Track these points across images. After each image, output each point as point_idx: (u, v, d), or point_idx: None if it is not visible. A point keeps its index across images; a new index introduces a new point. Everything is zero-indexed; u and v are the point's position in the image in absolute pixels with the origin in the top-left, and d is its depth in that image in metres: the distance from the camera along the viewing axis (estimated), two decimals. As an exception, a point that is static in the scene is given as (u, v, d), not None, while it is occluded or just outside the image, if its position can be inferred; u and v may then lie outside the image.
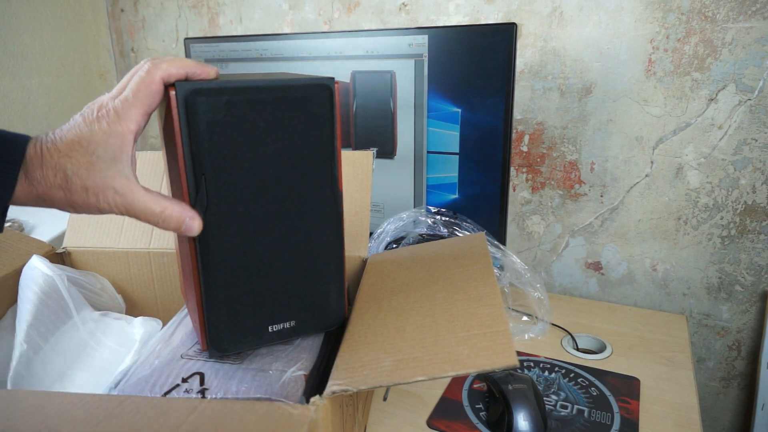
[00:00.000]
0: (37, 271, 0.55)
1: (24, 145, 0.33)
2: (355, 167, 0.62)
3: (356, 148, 0.79)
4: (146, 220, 0.35)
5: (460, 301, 0.43)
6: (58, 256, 0.62)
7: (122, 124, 0.34)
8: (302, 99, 0.38)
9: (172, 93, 0.35)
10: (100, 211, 0.34)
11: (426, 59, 0.72)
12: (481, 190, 0.74)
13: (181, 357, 0.43)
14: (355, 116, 0.78)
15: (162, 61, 0.35)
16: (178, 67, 0.36)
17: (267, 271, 0.41)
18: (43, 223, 0.85)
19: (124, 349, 0.53)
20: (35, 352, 0.50)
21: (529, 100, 0.86)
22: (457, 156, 0.74)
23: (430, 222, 0.72)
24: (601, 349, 0.68)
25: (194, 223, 0.37)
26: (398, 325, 0.42)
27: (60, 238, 0.76)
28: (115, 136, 0.33)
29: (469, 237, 0.60)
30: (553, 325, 0.74)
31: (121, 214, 0.35)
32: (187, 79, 0.36)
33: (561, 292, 0.90)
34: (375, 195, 0.80)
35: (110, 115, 0.34)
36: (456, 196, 0.76)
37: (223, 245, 0.39)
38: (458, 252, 0.53)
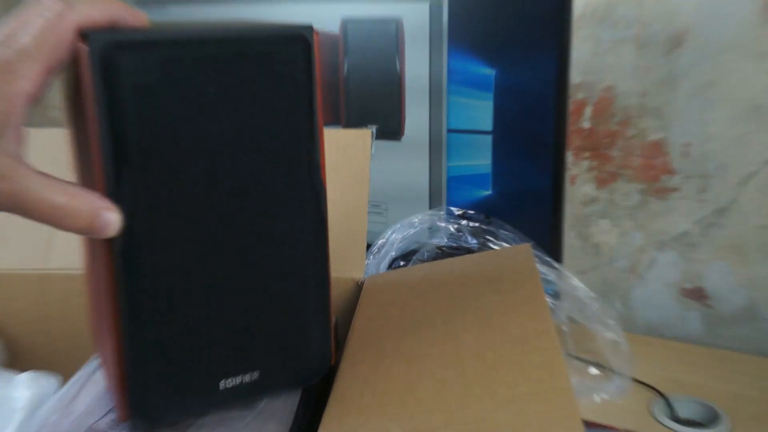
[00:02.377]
0: None
1: None
2: (347, 152, 0.61)
3: (348, 125, 0.79)
4: (42, 216, 0.35)
5: (499, 345, 0.42)
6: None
7: (13, 82, 0.33)
8: (267, 56, 0.38)
9: (85, 47, 0.35)
10: None
11: (446, 1, 0.72)
12: (524, 183, 0.74)
13: None
14: (347, 81, 0.78)
15: (78, 1, 0.35)
16: (102, 10, 0.35)
17: (219, 301, 0.40)
18: None
19: (0, 421, 0.51)
20: None
21: (592, 57, 0.86)
22: (490, 136, 0.74)
23: (452, 229, 0.72)
24: (712, 419, 0.67)
25: (110, 217, 0.36)
26: (409, 380, 0.41)
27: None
28: (0, 99, 0.33)
29: (509, 251, 0.60)
30: (637, 381, 0.73)
31: (5, 208, 0.34)
32: (108, 29, 0.36)
33: (646, 332, 0.90)
34: (375, 191, 0.80)
35: None
36: (489, 192, 0.76)
37: (155, 263, 0.38)
38: (494, 272, 0.53)
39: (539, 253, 0.70)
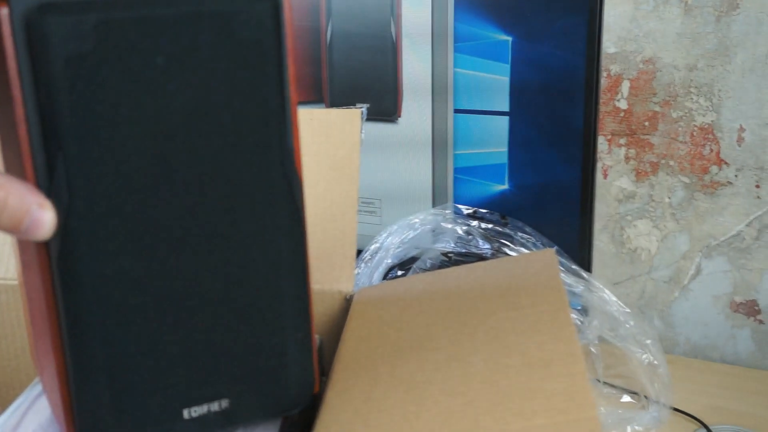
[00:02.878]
0: None
1: None
2: (331, 137, 0.62)
3: (333, 104, 0.79)
4: None
5: (514, 369, 0.43)
6: None
7: None
8: (226, 16, 0.39)
9: (3, 10, 0.35)
10: None
11: (452, -49, 0.73)
12: (548, 176, 0.74)
13: (33, 467, 0.43)
14: (330, 50, 0.78)
15: None
16: None
17: (178, 315, 0.41)
18: None
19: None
20: None
21: (630, 22, 0.86)
22: (507, 117, 0.74)
23: (460, 232, 0.72)
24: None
25: (44, 215, 0.36)
26: (408, 410, 0.42)
27: None
28: None
29: (529, 258, 0.60)
30: (676, 410, 0.73)
31: None
32: None
33: (688, 354, 0.90)
34: (366, 185, 0.80)
35: None
36: (505, 186, 0.76)
37: (99, 270, 0.39)
38: (510, 284, 0.53)
39: (565, 261, 0.70)
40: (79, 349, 0.39)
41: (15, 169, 0.39)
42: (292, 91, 0.41)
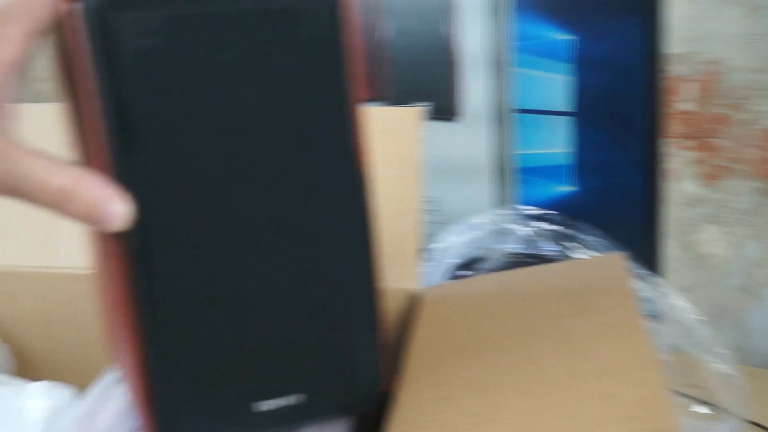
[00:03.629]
0: None
1: None
2: (393, 135, 0.62)
3: (397, 102, 0.79)
4: (42, 200, 0.36)
5: (587, 374, 0.43)
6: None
7: None
8: (289, 14, 0.39)
9: (76, 5, 0.36)
10: None
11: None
12: (613, 178, 0.75)
13: (109, 454, 0.44)
14: (392, 49, 0.79)
15: None
16: None
17: (251, 310, 0.42)
18: None
19: (11, 437, 0.54)
20: None
21: (695, 21, 0.85)
22: (571, 118, 0.75)
23: (525, 232, 0.72)
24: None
25: (118, 207, 0.37)
26: (480, 412, 0.42)
27: None
28: None
29: (597, 261, 0.60)
30: (752, 423, 0.73)
31: (1, 192, 0.36)
32: None
33: (765, 365, 0.89)
34: (429, 183, 0.79)
35: None
36: (571, 187, 0.77)
37: (174, 264, 0.40)
38: (579, 287, 0.53)
39: (633, 265, 0.70)
40: (156, 339, 0.40)
41: (91, 162, 0.40)
42: (355, 89, 0.42)
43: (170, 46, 0.37)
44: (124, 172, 0.38)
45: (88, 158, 0.40)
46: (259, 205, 0.41)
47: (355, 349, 0.44)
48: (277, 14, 0.39)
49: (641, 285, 0.67)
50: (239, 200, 0.40)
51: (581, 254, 0.71)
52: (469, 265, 0.72)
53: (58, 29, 0.38)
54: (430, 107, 0.78)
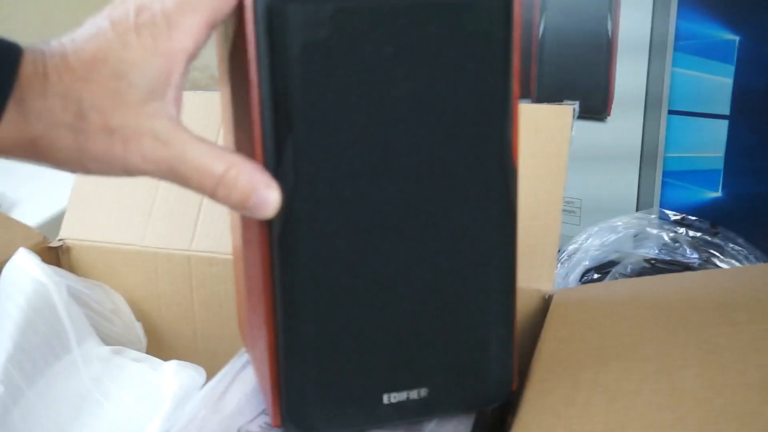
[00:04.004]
0: (24, 274, 0.61)
1: (16, 58, 0.36)
2: (540, 134, 0.62)
3: (540, 99, 0.79)
4: (198, 184, 0.38)
5: (730, 389, 0.41)
6: (52, 251, 0.69)
7: (174, 37, 0.36)
8: (457, 8, 0.39)
9: None
10: (126, 168, 0.37)
11: (677, -57, 0.72)
12: (765, 184, 0.71)
13: (238, 433, 0.46)
14: (541, 46, 0.78)
15: None
16: None
17: (387, 301, 0.42)
18: (29, 197, 0.94)
19: (147, 410, 0.57)
20: (15, 399, 0.55)
21: None
22: (726, 121, 0.72)
23: (666, 238, 0.70)
24: None
25: (270, 195, 0.38)
26: (612, 420, 0.41)
27: (54, 222, 0.83)
28: (161, 56, 0.36)
29: (746, 272, 0.58)
30: None
31: (159, 174, 0.38)
32: None
33: None
34: (567, 183, 0.79)
35: (157, 23, 0.36)
36: (718, 194, 0.74)
37: (317, 252, 0.41)
38: (725, 298, 0.51)
39: (783, 278, 0.67)
40: (291, 326, 0.41)
41: (245, 149, 0.41)
42: (515, 85, 0.41)
43: (336, 39, 0.38)
44: (277, 160, 0.39)
45: (246, 146, 0.42)
46: (407, 198, 0.41)
47: (488, 347, 0.44)
48: (445, 7, 0.39)
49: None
50: (388, 192, 0.41)
51: (724, 264, 0.68)
52: (602, 269, 0.71)
53: (230, 20, 0.40)
54: (580, 106, 0.77)
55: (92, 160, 0.37)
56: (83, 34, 0.37)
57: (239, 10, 0.38)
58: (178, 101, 0.38)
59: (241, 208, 0.39)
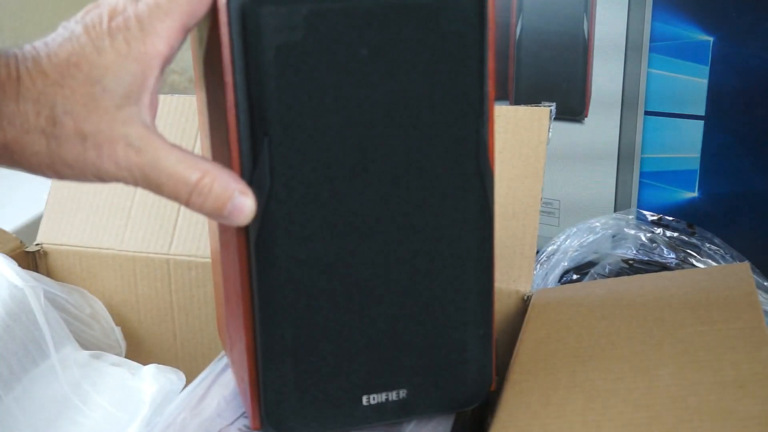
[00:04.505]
0: (0, 279, 0.61)
1: None
2: (518, 135, 0.62)
3: (518, 101, 0.79)
4: (171, 192, 0.38)
5: (705, 387, 0.41)
6: (29, 256, 0.69)
7: (148, 42, 0.36)
8: (431, 9, 0.39)
9: (221, 0, 0.37)
10: (99, 174, 0.37)
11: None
12: (742, 185, 0.72)
13: (218, 436, 0.46)
14: (518, 47, 0.78)
15: None
16: None
17: (364, 303, 0.42)
18: (6, 202, 0.93)
19: (126, 414, 0.57)
20: (-7, 404, 0.55)
21: None
22: (702, 122, 0.73)
23: (643, 239, 0.71)
24: None
25: (245, 202, 0.38)
26: (589, 419, 0.41)
27: (31, 227, 0.83)
28: (135, 61, 0.36)
29: (721, 271, 0.58)
30: None
31: (132, 181, 0.37)
32: None
33: None
34: (545, 184, 0.79)
35: (131, 27, 0.36)
36: (695, 194, 0.75)
37: (295, 254, 0.41)
38: (699, 297, 0.52)
39: (759, 277, 0.67)
40: (269, 328, 0.41)
41: (221, 152, 0.41)
42: (491, 86, 0.42)
43: (310, 41, 0.38)
44: (253, 163, 0.39)
45: (218, 149, 0.42)
46: (384, 200, 0.41)
47: (466, 348, 0.45)
48: (419, 9, 0.39)
49: (766, 298, 0.65)
50: (365, 194, 0.41)
51: (701, 263, 0.69)
52: (581, 269, 0.71)
53: (204, 22, 0.40)
54: (556, 106, 0.78)
55: (65, 165, 0.37)
56: (56, 39, 0.36)
57: (213, 13, 0.38)
58: (153, 106, 0.38)
59: (216, 216, 0.38)
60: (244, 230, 0.40)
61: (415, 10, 0.39)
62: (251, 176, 0.39)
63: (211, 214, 0.38)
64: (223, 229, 0.45)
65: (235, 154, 0.39)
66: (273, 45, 0.38)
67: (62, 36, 0.36)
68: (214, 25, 0.38)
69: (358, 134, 0.40)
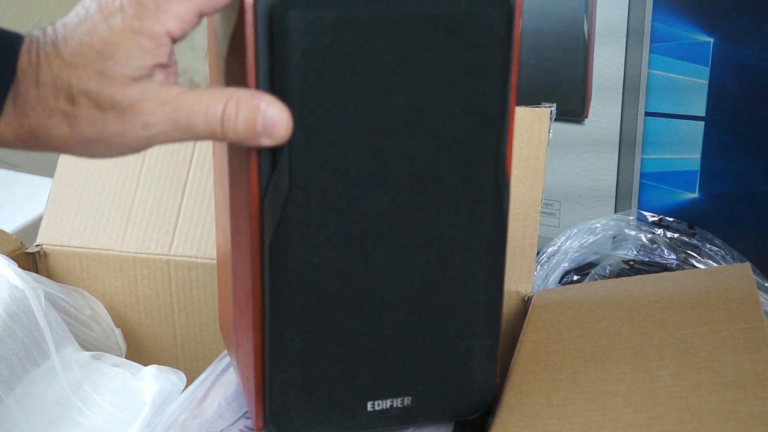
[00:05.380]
0: (0, 280, 0.61)
1: (15, 52, 0.36)
2: (518, 135, 0.62)
3: (517, 102, 0.78)
4: (205, 127, 0.37)
5: (705, 388, 0.41)
6: (29, 257, 0.69)
7: (161, 21, 0.36)
8: (459, 19, 0.39)
9: (248, 0, 0.37)
10: (128, 143, 0.37)
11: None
12: (743, 186, 0.72)
13: (219, 438, 0.46)
14: (518, 47, 0.78)
15: None
16: None
17: (374, 310, 0.42)
18: (6, 202, 0.93)
19: (127, 415, 0.57)
20: (-7, 405, 0.55)
21: None
22: (702, 123, 0.73)
23: (644, 239, 0.71)
24: None
25: (275, 112, 0.37)
26: (590, 420, 0.41)
27: (31, 228, 0.83)
28: (146, 37, 0.36)
29: (721, 272, 0.58)
30: None
31: (165, 135, 0.37)
32: None
33: None
34: (546, 185, 0.79)
35: (145, 4, 0.36)
36: (695, 194, 0.74)
37: (308, 258, 0.41)
38: (700, 298, 0.52)
39: (759, 278, 0.67)
40: (278, 330, 0.42)
41: (239, 155, 0.42)
42: (512, 100, 0.42)
43: (336, 47, 0.38)
44: (272, 166, 0.39)
45: (240, 164, 0.42)
46: (400, 208, 0.41)
47: (472, 358, 0.45)
48: (446, 20, 0.39)
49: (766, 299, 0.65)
50: (381, 202, 0.41)
51: (702, 264, 0.69)
52: (581, 270, 0.71)
53: (228, 18, 0.40)
54: (557, 108, 0.78)
55: (91, 142, 0.37)
56: (73, 19, 0.37)
57: (239, 12, 0.38)
58: (165, 72, 0.38)
59: (253, 136, 0.38)
60: (259, 231, 0.40)
61: (441, 22, 0.39)
62: (269, 179, 0.39)
63: (248, 135, 0.38)
64: (237, 229, 0.45)
65: (254, 155, 0.39)
66: (299, 49, 0.37)
67: (78, 15, 0.37)
68: (240, 24, 0.38)
69: (377, 142, 0.40)
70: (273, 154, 0.39)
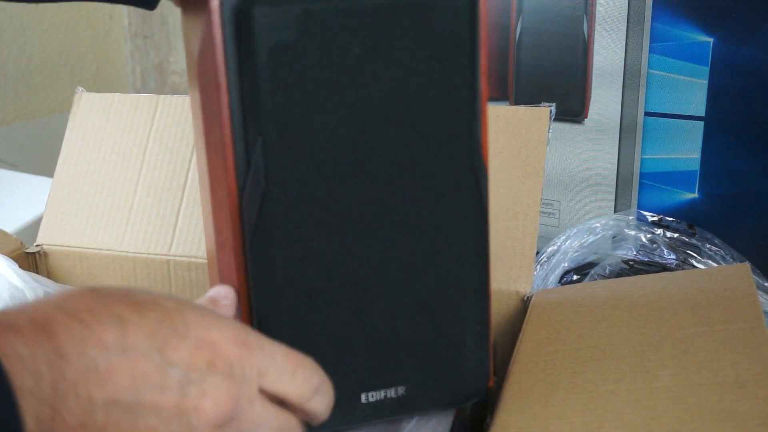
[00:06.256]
0: (1, 280, 0.61)
1: None
2: (518, 135, 0.62)
3: (518, 101, 0.79)
4: None
5: (705, 387, 0.42)
6: (29, 257, 0.69)
7: None
8: (423, 9, 0.40)
9: (214, 1, 0.38)
10: None
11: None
12: (743, 186, 0.72)
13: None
14: (519, 48, 0.78)
15: None
16: None
17: (362, 301, 0.43)
18: (6, 203, 0.93)
19: (126, 415, 0.57)
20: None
21: None
22: (702, 123, 0.73)
23: (644, 239, 0.71)
24: None
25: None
26: (589, 420, 0.41)
27: (31, 228, 0.83)
28: None
29: (721, 272, 0.58)
30: None
31: None
32: None
33: None
34: (546, 185, 0.79)
35: None
36: (695, 195, 0.75)
37: (291, 254, 0.41)
38: (700, 297, 0.52)
39: (759, 278, 0.67)
40: (266, 327, 0.41)
41: (215, 155, 0.42)
42: (483, 84, 0.42)
43: (303, 41, 0.38)
44: (247, 163, 0.39)
45: (213, 150, 0.42)
46: (380, 198, 0.41)
47: (464, 344, 0.45)
48: (411, 8, 0.40)
49: (766, 299, 0.65)
50: (360, 193, 0.41)
51: (701, 264, 0.69)
52: (581, 270, 0.71)
53: (194, 20, 0.40)
54: (557, 107, 0.78)
55: None
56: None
57: (207, 14, 0.38)
58: None
59: None
60: (241, 231, 0.40)
61: (407, 10, 0.40)
62: (245, 179, 0.39)
63: None
64: (219, 230, 0.45)
65: (229, 155, 0.39)
66: (266, 45, 0.38)
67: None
68: (208, 26, 0.39)
69: (351, 133, 0.40)
70: (247, 152, 0.39)
